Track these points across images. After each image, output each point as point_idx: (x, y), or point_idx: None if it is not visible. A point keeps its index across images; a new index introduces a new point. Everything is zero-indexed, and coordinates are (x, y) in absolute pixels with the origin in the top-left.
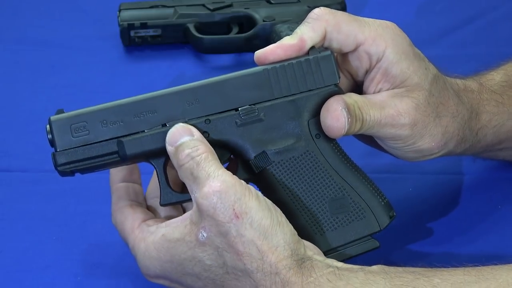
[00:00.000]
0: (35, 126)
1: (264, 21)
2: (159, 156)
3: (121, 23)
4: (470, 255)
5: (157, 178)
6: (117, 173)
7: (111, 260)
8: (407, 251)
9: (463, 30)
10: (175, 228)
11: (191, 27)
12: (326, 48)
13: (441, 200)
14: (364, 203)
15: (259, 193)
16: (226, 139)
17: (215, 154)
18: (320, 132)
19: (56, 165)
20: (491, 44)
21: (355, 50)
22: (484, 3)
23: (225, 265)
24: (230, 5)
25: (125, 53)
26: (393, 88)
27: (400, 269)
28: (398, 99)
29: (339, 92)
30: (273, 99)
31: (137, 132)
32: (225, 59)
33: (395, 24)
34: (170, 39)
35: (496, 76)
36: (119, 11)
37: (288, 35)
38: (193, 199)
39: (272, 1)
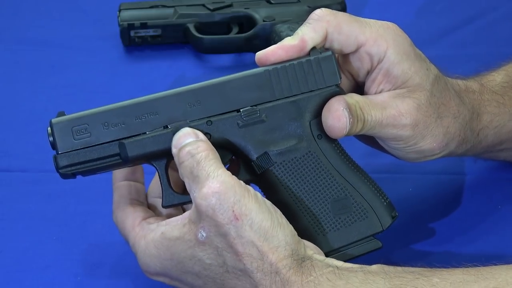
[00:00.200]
0: (35, 126)
1: (264, 21)
2: (161, 158)
3: (121, 23)
4: (470, 255)
5: (158, 178)
6: (119, 172)
7: (111, 260)
8: (407, 251)
9: (463, 30)
10: (175, 226)
11: (191, 27)
12: (327, 49)
13: (441, 200)
14: (367, 204)
15: (259, 194)
16: (228, 140)
17: (217, 153)
18: (322, 132)
19: (57, 168)
20: (491, 44)
21: (356, 51)
22: (484, 3)
23: (225, 264)
24: (230, 5)
25: (125, 53)
26: (394, 89)
27: (399, 268)
28: (399, 99)
29: (341, 92)
30: (274, 100)
31: (139, 134)
32: (225, 59)
33: (396, 25)
34: (170, 39)
35: (497, 77)
36: (119, 11)
37: (288, 35)
38: (192, 199)
39: (272, 1)
